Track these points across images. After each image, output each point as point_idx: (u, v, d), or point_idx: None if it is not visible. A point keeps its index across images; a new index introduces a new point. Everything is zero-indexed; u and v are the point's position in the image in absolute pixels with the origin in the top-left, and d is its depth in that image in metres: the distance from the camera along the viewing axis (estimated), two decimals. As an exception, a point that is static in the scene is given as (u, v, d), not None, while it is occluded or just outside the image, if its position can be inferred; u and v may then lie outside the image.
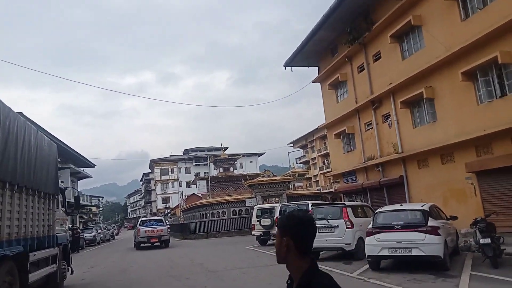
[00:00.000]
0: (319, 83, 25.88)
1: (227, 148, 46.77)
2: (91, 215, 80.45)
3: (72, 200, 12.70)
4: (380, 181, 18.75)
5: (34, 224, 7.30)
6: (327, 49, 24.04)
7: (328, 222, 11.42)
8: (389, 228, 9.01)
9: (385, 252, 8.90)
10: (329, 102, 24.66)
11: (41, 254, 7.64)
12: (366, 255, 9.38)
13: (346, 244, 11.02)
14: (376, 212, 9.86)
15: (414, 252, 8.51)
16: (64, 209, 10.69)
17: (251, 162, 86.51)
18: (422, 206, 9.28)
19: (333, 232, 11.28)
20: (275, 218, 16.80)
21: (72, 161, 43.67)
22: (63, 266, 9.49)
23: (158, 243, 22.82)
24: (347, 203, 12.11)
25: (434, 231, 8.59)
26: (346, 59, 21.68)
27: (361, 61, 20.79)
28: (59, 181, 10.85)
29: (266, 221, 17.73)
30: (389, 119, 18.46)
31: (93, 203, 79.89)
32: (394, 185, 18.04)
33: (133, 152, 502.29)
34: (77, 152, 42.97)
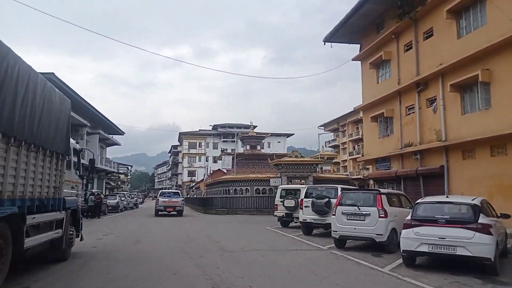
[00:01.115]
0: (359, 62, 24.28)
1: (256, 126, 45.84)
2: (118, 182, 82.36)
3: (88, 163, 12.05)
4: (417, 170, 17.34)
5: (36, 184, 6.59)
6: (372, 24, 22.31)
7: (359, 209, 10.31)
8: (432, 221, 7.83)
9: (424, 248, 7.76)
10: (368, 83, 23.08)
11: (43, 218, 6.97)
12: (401, 249, 8.27)
13: (377, 234, 9.91)
14: (417, 203, 8.67)
15: (459, 252, 7.34)
16: (78, 172, 10.06)
17: (279, 142, 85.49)
18: (473, 200, 8.02)
19: (364, 220, 10.18)
20: (299, 200, 15.79)
21: (102, 127, 44.02)
22: (71, 232, 8.87)
23: (174, 212, 25.74)
24: (382, 190, 10.92)
25: (485, 229, 7.37)
26: (393, 36, 19.98)
27: (409, 39, 19.07)
28: (74, 141, 10.22)
29: (290, 203, 16.75)
30: (435, 103, 16.87)
31: (121, 171, 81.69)
32: (433, 175, 16.62)
33: (164, 125, 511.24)
34: (107, 119, 43.16)
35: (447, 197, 9.07)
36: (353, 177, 52.89)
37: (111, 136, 48.43)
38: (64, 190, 8.38)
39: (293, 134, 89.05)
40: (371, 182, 26.28)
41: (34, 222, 6.54)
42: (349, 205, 10.55)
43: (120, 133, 51.97)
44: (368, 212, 10.15)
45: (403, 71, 19.51)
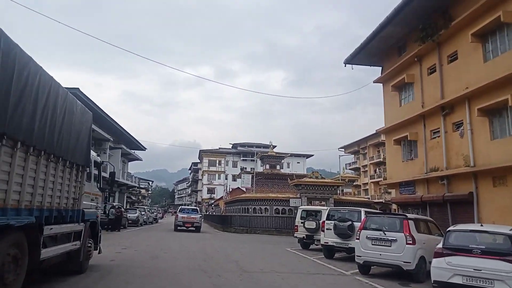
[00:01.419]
0: (381, 84, 23.99)
1: (276, 146, 45.64)
2: (139, 197, 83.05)
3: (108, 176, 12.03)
4: (444, 196, 16.67)
5: (54, 195, 6.53)
6: (394, 47, 22.06)
7: (385, 234, 9.85)
8: (466, 251, 7.35)
9: (458, 280, 7.26)
10: (391, 105, 22.66)
11: (61, 229, 6.89)
12: (432, 279, 7.78)
13: (404, 262, 9.40)
14: (448, 230, 8.19)
15: (497, 286, 6.82)
16: (98, 184, 10.03)
17: (298, 163, 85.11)
18: (510, 230, 7.50)
19: (390, 246, 9.70)
20: (321, 222, 15.36)
21: (125, 142, 44.64)
22: (89, 245, 8.77)
23: (192, 228, 26.61)
24: (409, 215, 10.41)
25: (526, 263, 6.85)
26: (416, 59, 19.64)
27: (432, 62, 18.71)
28: (95, 154, 10.24)
29: (311, 224, 16.32)
30: (462, 127, 16.32)
31: (142, 186, 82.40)
32: (461, 202, 15.94)
33: (185, 142, 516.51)
34: (130, 134, 43.80)
35: (481, 225, 8.57)
36: (374, 200, 51.72)
37: (133, 151, 49.05)
38: (84, 202, 8.32)
39: (312, 155, 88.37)
40: (394, 206, 25.52)
41: (52, 233, 6.45)
42: (374, 229, 10.12)
43: (142, 148, 52.60)
44: (394, 238, 9.68)
45: (427, 94, 19.08)
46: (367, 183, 63.88)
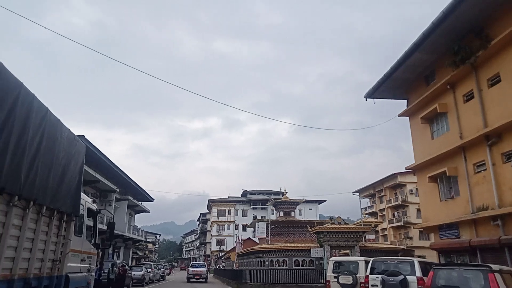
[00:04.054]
0: (407, 117, 22.20)
1: (287, 192, 43.22)
2: (146, 252, 79.58)
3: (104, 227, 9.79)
4: (501, 240, 14.18)
5: (18, 256, 4.46)
6: (420, 76, 20.48)
7: (465, 293, 7.49)
8: None
9: None
10: (420, 139, 20.69)
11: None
12: None
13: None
14: None
15: None
16: (93, 239, 7.91)
17: (311, 209, 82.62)
18: None
19: (474, 310, 7.32)
20: (358, 276, 12.89)
21: (132, 193, 42.59)
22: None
23: (201, 280, 33.49)
24: (494, 267, 8.06)
25: None
26: (448, 86, 17.95)
27: (469, 88, 16.96)
28: (90, 199, 8.21)
29: (347, 279, 13.73)
30: (514, 157, 14.20)
31: (149, 240, 79.21)
32: (525, 245, 13.45)
33: (194, 192, 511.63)
34: (137, 184, 41.86)
35: None
36: (393, 246, 48.34)
37: (140, 202, 46.80)
38: (70, 264, 6.20)
39: (325, 200, 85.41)
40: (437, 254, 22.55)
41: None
42: (448, 286, 7.77)
43: (150, 199, 50.43)
44: (478, 298, 7.33)
45: (465, 124, 17.16)
46: (385, 228, 60.41)
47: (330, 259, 17.36)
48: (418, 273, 10.36)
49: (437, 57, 18.41)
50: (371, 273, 11.51)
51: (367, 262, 13.75)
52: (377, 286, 10.99)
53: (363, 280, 12.97)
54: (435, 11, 16.46)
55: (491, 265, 8.16)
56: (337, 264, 15.28)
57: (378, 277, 11.07)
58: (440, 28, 16.16)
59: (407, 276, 10.44)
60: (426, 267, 11.03)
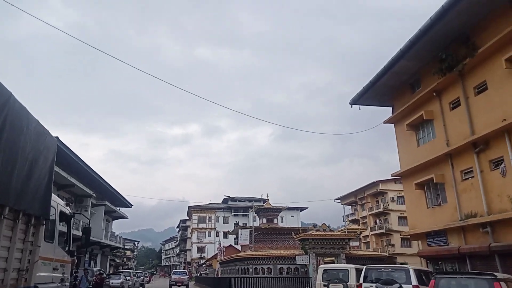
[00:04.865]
0: (388, 126, 22.25)
1: (269, 199, 42.82)
2: (124, 259, 77.67)
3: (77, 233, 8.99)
4: (491, 247, 14.13)
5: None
6: (406, 83, 20.52)
7: (469, 303, 7.21)
8: None
9: None
10: (406, 146, 20.68)
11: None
12: None
13: None
14: None
15: None
16: (66, 246, 7.27)
17: (292, 216, 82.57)
18: None
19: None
20: (349, 284, 12.56)
21: (109, 199, 41.36)
22: None
23: (182, 286, 35.26)
24: (499, 275, 7.81)
25: None
26: (434, 94, 18.01)
27: (455, 95, 17.03)
28: (63, 202, 7.58)
29: (338, 287, 13.40)
30: (503, 164, 14.22)
31: (127, 247, 77.36)
32: (513, 253, 13.40)
33: (173, 199, 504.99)
34: (115, 189, 40.67)
35: None
36: (378, 253, 48.47)
37: (118, 208, 45.49)
38: (40, 274, 5.58)
39: (306, 208, 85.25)
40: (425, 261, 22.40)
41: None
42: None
43: (128, 205, 49.13)
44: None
45: (451, 131, 17.19)
46: (367, 235, 60.65)
47: (319, 266, 17.01)
48: (414, 281, 10.09)
49: (423, 64, 18.47)
50: (364, 281, 11.19)
51: (358, 270, 13.46)
52: (370, 295, 10.68)
53: (354, 289, 12.68)
54: (414, 27, 16.68)
55: (495, 274, 7.91)
56: (327, 273, 14.89)
57: (372, 286, 10.75)
58: (427, 35, 16.18)
59: (402, 285, 10.15)
60: (421, 275, 10.79)
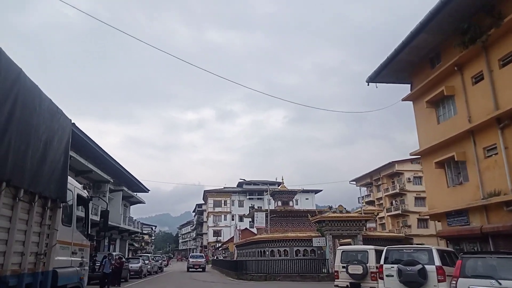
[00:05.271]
0: (410, 102, 21.48)
1: (284, 182, 42.55)
2: (142, 243, 78.91)
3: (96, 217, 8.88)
4: (516, 226, 13.57)
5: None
6: (425, 58, 19.73)
7: (500, 284, 6.79)
8: None
9: None
10: (426, 124, 19.98)
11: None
12: None
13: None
14: None
15: None
16: (85, 230, 7.10)
17: (307, 199, 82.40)
18: None
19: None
20: (368, 265, 12.24)
21: (126, 184, 41.70)
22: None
23: (200, 269, 37.30)
24: (531, 255, 7.39)
25: None
26: (455, 68, 17.20)
27: (478, 69, 16.23)
28: (80, 185, 7.38)
29: (357, 269, 13.09)
30: (530, 140, 13.53)
31: (145, 232, 78.52)
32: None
33: (189, 184, 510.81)
34: (132, 175, 40.95)
35: None
36: (395, 234, 48.05)
37: (135, 193, 45.92)
38: (58, 258, 5.40)
39: (321, 190, 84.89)
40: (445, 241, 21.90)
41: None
42: (480, 277, 7.08)
43: (145, 190, 49.54)
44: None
45: (473, 107, 16.46)
46: (383, 216, 60.15)
47: (338, 248, 16.70)
48: (437, 262, 9.70)
49: (444, 37, 17.66)
50: (384, 262, 10.85)
51: (377, 251, 13.10)
52: (392, 276, 10.32)
53: (374, 270, 12.33)
54: (431, 1, 15.77)
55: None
56: (346, 253, 14.53)
57: (393, 267, 10.39)
58: (448, 6, 15.41)
59: (425, 266, 9.78)
60: (444, 256, 10.38)
